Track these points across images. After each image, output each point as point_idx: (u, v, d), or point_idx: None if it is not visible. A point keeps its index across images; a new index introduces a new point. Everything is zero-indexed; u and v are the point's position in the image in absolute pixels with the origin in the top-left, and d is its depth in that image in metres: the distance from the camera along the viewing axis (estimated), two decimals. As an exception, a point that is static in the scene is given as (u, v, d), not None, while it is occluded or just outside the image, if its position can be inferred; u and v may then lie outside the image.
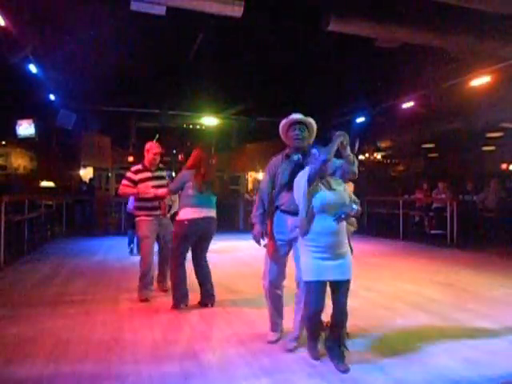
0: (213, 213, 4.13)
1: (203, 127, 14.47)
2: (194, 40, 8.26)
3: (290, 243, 3.07)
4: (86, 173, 14.29)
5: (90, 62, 8.57)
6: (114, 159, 15.24)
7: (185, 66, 9.51)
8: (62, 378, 2.58)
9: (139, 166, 4.57)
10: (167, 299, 4.41)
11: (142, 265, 4.43)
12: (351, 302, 3.45)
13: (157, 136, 14.35)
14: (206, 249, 4.22)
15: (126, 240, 7.90)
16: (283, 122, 3.11)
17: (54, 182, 14.56)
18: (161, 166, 4.74)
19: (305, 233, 2.69)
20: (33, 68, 8.69)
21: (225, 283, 5.07)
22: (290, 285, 3.25)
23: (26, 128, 12.61)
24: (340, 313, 2.73)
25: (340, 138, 2.61)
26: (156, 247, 4.61)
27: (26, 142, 13.57)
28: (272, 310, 3.19)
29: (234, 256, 7.42)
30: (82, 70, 9.04)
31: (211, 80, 9.69)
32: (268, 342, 3.12)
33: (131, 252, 7.60)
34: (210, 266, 4.24)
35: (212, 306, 4.12)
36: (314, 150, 2.88)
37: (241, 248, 8.30)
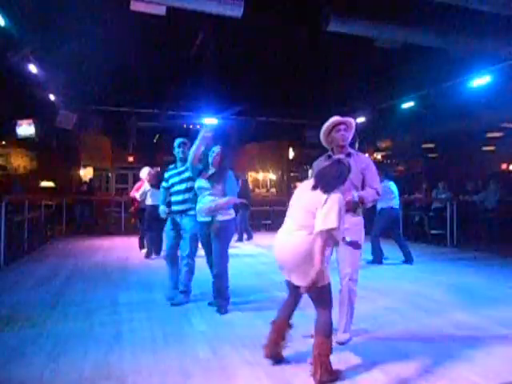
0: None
1: (203, 127, 14.46)
2: (193, 40, 8.27)
3: None
4: (86, 173, 14.32)
5: (89, 62, 8.57)
6: (114, 159, 15.29)
7: (185, 66, 9.51)
8: (62, 378, 2.58)
9: (172, 165, 4.60)
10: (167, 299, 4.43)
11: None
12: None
13: (157, 136, 14.40)
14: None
15: (125, 240, 7.89)
16: (326, 124, 3.14)
17: (54, 182, 14.57)
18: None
19: None
20: (33, 68, 8.68)
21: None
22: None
23: (25, 128, 12.60)
24: None
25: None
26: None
27: (26, 142, 13.56)
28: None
29: (234, 257, 7.41)
30: (81, 69, 9.04)
31: (211, 80, 9.69)
32: (339, 344, 3.02)
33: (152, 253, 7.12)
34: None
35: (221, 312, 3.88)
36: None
37: (241, 249, 8.29)
